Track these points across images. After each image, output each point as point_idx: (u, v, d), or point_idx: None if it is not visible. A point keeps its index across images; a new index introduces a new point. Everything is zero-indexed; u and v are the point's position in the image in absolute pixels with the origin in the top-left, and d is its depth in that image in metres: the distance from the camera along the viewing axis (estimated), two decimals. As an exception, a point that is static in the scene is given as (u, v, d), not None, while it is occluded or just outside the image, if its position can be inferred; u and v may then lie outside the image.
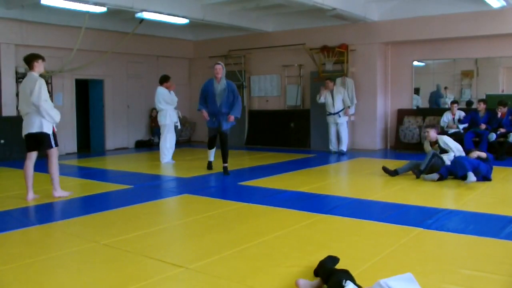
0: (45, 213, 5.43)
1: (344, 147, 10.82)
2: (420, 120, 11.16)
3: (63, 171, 8.83)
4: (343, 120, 10.78)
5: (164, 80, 9.58)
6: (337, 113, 10.68)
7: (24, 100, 5.88)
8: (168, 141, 9.58)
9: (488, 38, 10.18)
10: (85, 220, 5.10)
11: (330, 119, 10.82)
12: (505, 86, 11.15)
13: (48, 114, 5.84)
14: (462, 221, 4.82)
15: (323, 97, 10.70)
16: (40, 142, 5.97)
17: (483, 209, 5.24)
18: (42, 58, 5.96)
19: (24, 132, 5.97)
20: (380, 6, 10.90)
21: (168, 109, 9.46)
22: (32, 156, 6.09)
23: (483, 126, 9.72)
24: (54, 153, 6.06)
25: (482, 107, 9.92)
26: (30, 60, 5.88)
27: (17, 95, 10.46)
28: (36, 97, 5.69)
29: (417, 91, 11.79)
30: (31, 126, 5.87)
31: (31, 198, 6.04)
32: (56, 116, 5.94)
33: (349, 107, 10.77)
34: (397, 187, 6.66)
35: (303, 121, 12.07)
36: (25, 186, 6.08)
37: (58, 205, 5.93)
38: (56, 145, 6.06)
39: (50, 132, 5.96)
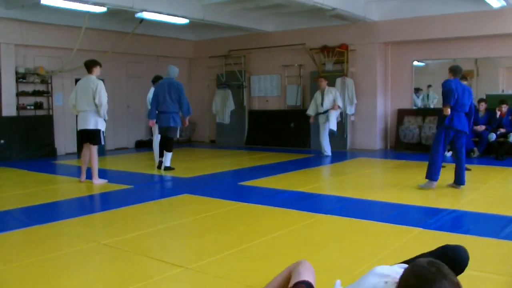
0: (45, 213, 5.42)
1: (333, 127, 10.21)
2: (420, 120, 11.16)
3: (64, 171, 8.87)
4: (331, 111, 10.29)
5: (153, 80, 9.61)
6: (325, 112, 10.30)
7: (85, 99, 6.89)
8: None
9: (488, 38, 10.17)
10: (85, 220, 5.10)
11: (321, 119, 10.48)
12: (505, 86, 11.14)
13: (105, 113, 6.96)
14: (462, 221, 4.82)
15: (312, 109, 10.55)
16: (93, 137, 7.01)
17: (483, 209, 5.24)
18: (100, 65, 7.13)
19: (80, 127, 7.07)
20: (380, 6, 10.90)
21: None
22: (87, 146, 7.16)
23: (482, 127, 9.72)
24: (96, 147, 7.14)
25: (483, 107, 9.92)
26: (90, 65, 7.00)
27: (17, 95, 10.49)
28: (101, 97, 6.81)
29: (417, 91, 11.79)
30: (88, 123, 6.94)
31: (84, 180, 7.24)
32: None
33: (339, 107, 10.34)
34: (397, 187, 6.66)
35: (303, 121, 12.04)
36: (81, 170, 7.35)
37: (58, 205, 5.93)
38: (104, 142, 7.23)
39: (103, 129, 7.08)
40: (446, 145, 6.45)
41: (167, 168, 8.42)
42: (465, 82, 7.90)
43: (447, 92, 6.22)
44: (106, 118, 7.13)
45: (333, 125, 10.32)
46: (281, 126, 12.71)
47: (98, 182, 7.16)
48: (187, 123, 8.76)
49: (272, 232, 4.42)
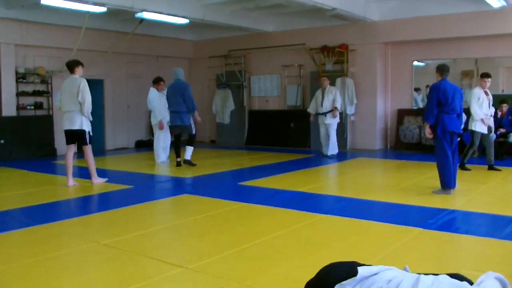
0: (45, 213, 5.42)
1: (332, 151, 10.17)
2: (420, 120, 11.15)
3: (64, 171, 8.85)
4: (331, 121, 10.10)
5: (155, 81, 9.63)
6: (325, 113, 10.14)
7: (70, 99, 6.82)
8: (161, 141, 9.58)
9: (488, 38, 10.17)
10: (85, 220, 5.10)
11: (320, 119, 10.29)
12: (505, 86, 11.13)
13: (89, 113, 6.85)
14: (462, 221, 4.82)
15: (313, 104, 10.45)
16: (79, 137, 6.94)
17: (483, 209, 5.24)
18: (82, 65, 7.10)
19: (65, 127, 6.96)
20: (380, 6, 10.89)
21: (156, 109, 9.44)
22: (72, 148, 7.12)
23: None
24: (89, 148, 7.03)
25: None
26: (72, 65, 6.98)
27: (17, 95, 10.50)
28: (85, 94, 6.74)
29: (416, 91, 11.78)
30: (74, 123, 6.85)
31: (71, 185, 7.00)
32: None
33: (336, 108, 10.07)
34: (397, 187, 6.65)
35: (303, 121, 12.04)
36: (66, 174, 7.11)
37: (58, 205, 5.93)
38: (90, 142, 7.04)
39: (88, 129, 6.94)
40: (450, 148, 6.10)
41: (187, 162, 8.95)
42: (489, 79, 7.80)
43: (428, 110, 6.02)
44: (91, 119, 7.00)
45: (333, 149, 10.21)
46: (281, 126, 12.71)
47: (98, 181, 7.16)
48: (197, 118, 9.11)
49: (272, 232, 4.42)
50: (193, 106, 8.87)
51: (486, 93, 7.92)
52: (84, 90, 6.77)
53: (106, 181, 7.25)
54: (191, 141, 9.10)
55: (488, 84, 7.85)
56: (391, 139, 11.74)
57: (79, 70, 7.01)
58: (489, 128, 8.01)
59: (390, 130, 11.78)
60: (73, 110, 6.85)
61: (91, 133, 7.06)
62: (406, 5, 10.57)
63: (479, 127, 7.89)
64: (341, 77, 11.43)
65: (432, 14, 10.31)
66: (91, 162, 7.12)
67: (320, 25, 11.69)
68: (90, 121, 7.04)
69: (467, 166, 8.09)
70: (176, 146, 9.08)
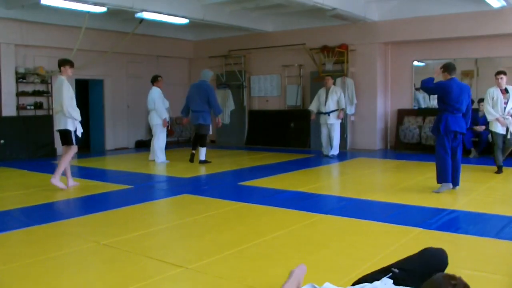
0: (45, 213, 5.43)
1: (334, 151, 10.18)
2: (420, 120, 11.16)
3: (63, 171, 8.85)
4: (334, 121, 10.13)
5: (154, 79, 9.64)
6: (328, 113, 10.11)
7: (56, 100, 6.81)
8: (161, 141, 9.60)
9: (488, 38, 10.18)
10: (85, 220, 5.10)
11: (322, 119, 10.27)
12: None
13: (69, 112, 6.63)
14: (462, 221, 4.83)
15: (316, 102, 10.37)
16: (65, 136, 6.80)
17: (483, 209, 5.24)
18: (70, 64, 6.80)
19: (55, 128, 6.98)
20: (380, 6, 10.89)
21: (160, 108, 9.44)
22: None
23: (482, 128, 9.69)
24: (72, 149, 6.83)
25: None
26: (58, 64, 6.84)
27: (17, 95, 10.50)
28: (62, 95, 6.59)
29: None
30: (59, 123, 6.79)
31: (71, 185, 6.90)
32: (76, 114, 6.76)
33: (343, 109, 10.16)
34: (397, 187, 6.66)
35: (303, 121, 12.05)
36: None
37: (58, 205, 5.94)
38: (76, 143, 6.86)
39: (72, 129, 6.77)
40: (450, 147, 6.14)
41: (202, 162, 9.26)
42: (501, 76, 7.49)
43: (427, 85, 6.24)
44: (78, 118, 6.76)
45: (335, 150, 10.20)
46: (281, 126, 12.71)
47: (54, 182, 6.65)
48: (219, 122, 9.50)
49: (272, 232, 4.42)
50: (219, 109, 9.35)
51: (506, 91, 7.61)
52: (60, 91, 6.57)
53: (63, 189, 6.69)
54: (202, 142, 9.37)
55: (503, 82, 7.56)
56: (391, 139, 11.74)
57: (64, 70, 6.73)
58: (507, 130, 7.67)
59: (390, 130, 11.78)
60: (59, 111, 6.75)
61: (78, 134, 6.85)
62: (406, 5, 10.57)
63: (495, 127, 7.64)
64: (341, 77, 11.43)
65: (432, 14, 10.31)
66: (66, 161, 6.73)
67: (320, 25, 11.69)
68: (80, 121, 6.83)
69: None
70: (195, 142, 9.55)
